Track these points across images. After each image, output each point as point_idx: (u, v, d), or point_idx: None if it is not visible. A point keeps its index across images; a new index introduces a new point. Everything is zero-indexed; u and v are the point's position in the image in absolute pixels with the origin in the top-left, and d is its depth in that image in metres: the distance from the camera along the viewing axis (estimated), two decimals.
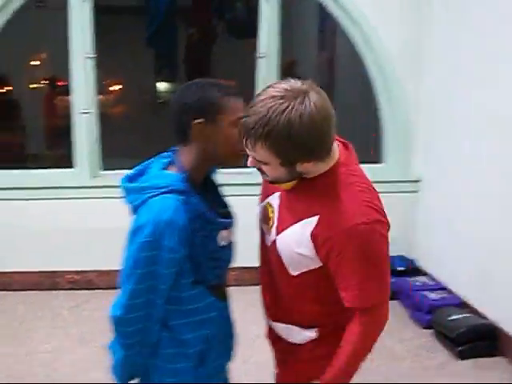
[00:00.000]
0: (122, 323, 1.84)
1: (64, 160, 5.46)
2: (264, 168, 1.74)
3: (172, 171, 1.87)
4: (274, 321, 2.05)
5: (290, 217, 1.84)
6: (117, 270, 5.19)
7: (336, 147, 1.80)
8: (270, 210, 1.94)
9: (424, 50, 4.90)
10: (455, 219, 4.52)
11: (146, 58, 7.28)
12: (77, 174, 4.97)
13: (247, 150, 1.72)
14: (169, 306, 1.86)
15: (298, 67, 7.17)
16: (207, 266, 1.87)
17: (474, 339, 3.98)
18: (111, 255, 4.98)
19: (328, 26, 7.23)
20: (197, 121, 1.80)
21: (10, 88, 7.01)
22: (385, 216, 1.77)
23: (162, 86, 8.24)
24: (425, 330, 4.33)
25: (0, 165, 5.42)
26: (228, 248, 1.96)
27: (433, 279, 4.76)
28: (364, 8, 4.81)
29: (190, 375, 1.93)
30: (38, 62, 7.98)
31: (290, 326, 1.99)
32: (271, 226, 1.91)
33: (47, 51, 7.73)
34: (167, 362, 1.92)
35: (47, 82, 7.90)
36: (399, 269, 4.93)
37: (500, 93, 3.91)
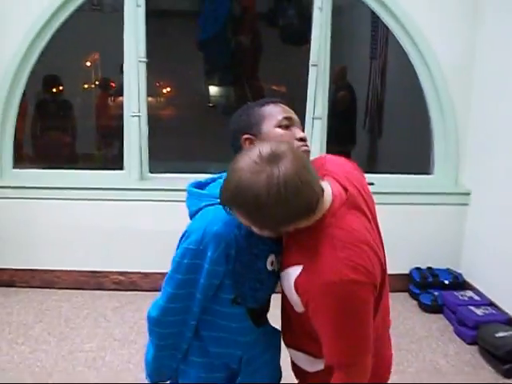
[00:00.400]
0: (157, 324, 1.88)
1: (114, 161, 5.53)
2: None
3: None
4: (287, 346, 2.03)
5: (287, 257, 1.81)
6: (160, 273, 5.24)
7: (327, 198, 1.73)
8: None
9: (476, 63, 4.83)
10: (504, 234, 4.42)
11: (198, 62, 7.31)
12: (126, 176, 5.02)
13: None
14: (204, 316, 1.87)
15: (349, 75, 7.13)
16: (249, 287, 1.86)
17: None
18: (155, 258, 5.07)
19: (380, 34, 7.18)
20: (244, 137, 1.86)
21: (62, 88, 7.10)
22: (367, 275, 1.66)
23: (213, 89, 8.27)
24: (469, 346, 4.23)
25: (51, 164, 5.53)
26: (273, 274, 1.91)
27: (479, 294, 4.66)
28: (417, 18, 4.76)
29: None
30: (89, 64, 8.09)
31: (299, 353, 1.97)
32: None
33: (100, 53, 7.84)
34: (195, 369, 1.95)
35: (99, 83, 8.01)
36: (445, 282, 4.85)
37: None
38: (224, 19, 6.70)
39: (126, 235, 4.95)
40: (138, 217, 4.94)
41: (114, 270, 5.03)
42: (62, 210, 4.95)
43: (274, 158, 1.57)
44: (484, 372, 3.92)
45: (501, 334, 4.01)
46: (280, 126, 1.84)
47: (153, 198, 4.86)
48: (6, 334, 4.23)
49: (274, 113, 1.86)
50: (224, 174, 1.92)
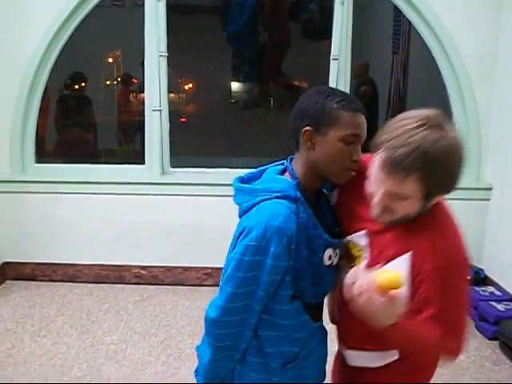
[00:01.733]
0: (216, 325, 1.81)
1: (136, 156, 5.55)
2: (396, 205, 1.69)
3: (286, 177, 1.85)
4: (350, 349, 2.00)
5: (381, 258, 1.78)
6: (181, 267, 5.28)
7: None
8: (354, 249, 1.88)
9: (498, 60, 4.78)
10: None
11: (222, 58, 7.32)
12: (147, 171, 5.04)
13: (388, 184, 1.66)
14: (262, 315, 1.82)
15: (371, 70, 7.10)
16: (309, 282, 1.81)
17: None
18: (177, 252, 5.10)
19: (403, 29, 7.14)
20: (305, 128, 1.79)
21: (83, 84, 7.14)
22: (469, 258, 1.77)
23: (235, 86, 8.27)
24: (490, 342, 4.21)
25: (73, 159, 5.56)
26: (332, 269, 1.88)
27: (501, 290, 4.63)
28: (440, 13, 4.72)
29: None
30: (111, 60, 8.12)
31: (365, 352, 1.95)
32: (354, 265, 1.84)
33: (122, 49, 7.87)
34: (251, 370, 1.88)
35: (120, 79, 8.05)
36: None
37: None
38: (251, 12, 6.71)
39: (147, 229, 4.97)
40: (160, 211, 4.96)
41: (136, 263, 5.05)
42: (84, 205, 4.98)
43: (439, 123, 1.63)
44: (505, 367, 3.90)
45: None
46: (344, 141, 1.77)
47: (174, 193, 4.86)
48: (29, 327, 4.28)
49: (347, 125, 1.76)
50: (267, 169, 1.92)
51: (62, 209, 4.99)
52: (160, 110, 4.91)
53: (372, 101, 7.12)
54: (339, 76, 4.93)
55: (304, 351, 1.90)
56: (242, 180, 1.92)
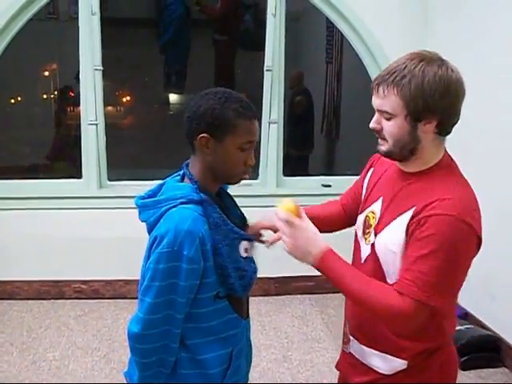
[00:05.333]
0: (139, 340, 1.77)
1: (73, 170, 5.52)
2: (386, 125, 1.78)
3: (186, 183, 1.87)
4: (366, 347, 1.98)
5: (389, 215, 1.85)
6: (122, 280, 5.24)
7: (441, 152, 1.85)
8: (371, 217, 1.94)
9: None
10: None
11: (157, 71, 7.34)
12: (84, 185, 5.02)
13: (377, 100, 1.80)
14: (186, 324, 1.81)
15: (306, 79, 7.22)
16: (235, 277, 1.82)
17: (477, 350, 3.98)
18: (117, 265, 5.08)
19: (335, 39, 7.30)
20: (202, 135, 1.79)
21: (19, 99, 7.08)
22: (475, 223, 1.72)
23: (172, 97, 8.28)
24: None
25: (10, 175, 5.48)
26: (251, 261, 1.92)
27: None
28: (369, 23, 4.89)
29: None
30: (47, 73, 8.04)
31: (381, 353, 1.93)
32: (369, 233, 1.92)
33: (58, 62, 7.80)
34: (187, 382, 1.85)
35: (57, 92, 7.97)
36: None
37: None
38: (179, 18, 6.77)
39: (86, 243, 4.94)
40: (99, 225, 4.93)
41: (76, 278, 5.02)
42: (21, 220, 4.92)
43: (438, 59, 1.78)
44: None
45: (457, 328, 4.09)
46: (240, 148, 1.81)
47: (112, 206, 4.85)
48: None
49: (244, 133, 1.80)
50: (165, 182, 1.93)
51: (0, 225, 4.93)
52: (96, 124, 4.90)
53: (307, 110, 7.25)
54: (273, 86, 5.01)
55: (236, 349, 1.91)
56: (143, 198, 1.90)
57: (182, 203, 1.76)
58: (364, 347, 1.97)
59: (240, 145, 1.80)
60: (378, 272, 1.85)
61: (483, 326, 4.18)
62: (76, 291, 5.02)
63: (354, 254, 2.03)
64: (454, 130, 1.80)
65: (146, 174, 4.88)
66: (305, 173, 6.58)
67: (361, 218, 2.00)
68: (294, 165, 6.47)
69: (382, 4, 4.95)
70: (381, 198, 1.92)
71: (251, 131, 1.83)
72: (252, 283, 1.93)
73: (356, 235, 2.03)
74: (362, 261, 1.93)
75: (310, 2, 4.93)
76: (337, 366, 2.19)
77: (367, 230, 1.93)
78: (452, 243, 1.68)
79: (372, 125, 1.83)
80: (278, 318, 4.71)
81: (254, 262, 1.94)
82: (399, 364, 1.88)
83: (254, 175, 5.07)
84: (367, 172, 2.13)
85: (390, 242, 1.81)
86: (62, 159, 7.31)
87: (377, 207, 1.92)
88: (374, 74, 4.99)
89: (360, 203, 2.06)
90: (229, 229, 1.82)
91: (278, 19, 4.93)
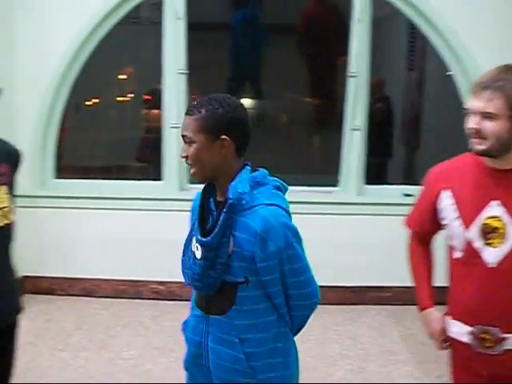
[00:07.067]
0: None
1: (152, 172, 5.58)
2: (489, 125, 1.95)
3: None
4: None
5: None
6: None
7: None
8: (493, 222, 2.04)
9: None
10: None
11: (228, 75, 7.38)
12: (165, 187, 5.07)
13: (479, 103, 1.95)
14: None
15: (387, 87, 7.11)
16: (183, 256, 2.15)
17: None
18: None
19: (418, 45, 7.17)
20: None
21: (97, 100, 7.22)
22: None
23: (246, 102, 8.30)
24: None
25: (91, 175, 5.60)
26: (195, 260, 2.04)
27: None
28: (457, 27, 4.73)
29: None
30: (125, 76, 8.17)
31: None
32: (496, 237, 2.04)
33: (136, 66, 7.91)
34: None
35: (135, 95, 8.09)
36: None
37: None
38: (254, 26, 6.79)
39: (165, 245, 4.97)
40: (178, 227, 4.92)
41: (153, 279, 5.07)
42: (102, 220, 5.01)
43: None
44: None
45: None
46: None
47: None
48: (47, 341, 4.30)
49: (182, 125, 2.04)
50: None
51: (79, 224, 5.02)
52: (178, 127, 4.94)
53: (387, 117, 7.13)
54: (356, 92, 4.95)
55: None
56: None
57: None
58: None
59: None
60: None
61: None
62: (153, 292, 5.08)
63: (465, 264, 2.11)
64: None
65: None
66: (383, 181, 6.47)
67: (474, 230, 2.07)
68: (373, 173, 6.37)
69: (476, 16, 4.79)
70: (494, 203, 2.04)
71: (183, 125, 2.01)
72: (194, 285, 2.15)
73: (467, 249, 2.09)
74: (491, 265, 2.03)
75: (393, 6, 4.85)
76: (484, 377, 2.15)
77: (489, 236, 2.04)
78: None
79: (472, 125, 1.98)
80: (353, 328, 4.63)
81: (196, 265, 2.05)
82: None
83: (335, 182, 4.97)
84: (436, 194, 2.26)
85: None
86: (141, 161, 7.42)
87: (496, 211, 2.04)
88: (460, 80, 4.84)
89: (431, 224, 2.27)
90: (194, 219, 2.12)
91: (363, 24, 4.86)
